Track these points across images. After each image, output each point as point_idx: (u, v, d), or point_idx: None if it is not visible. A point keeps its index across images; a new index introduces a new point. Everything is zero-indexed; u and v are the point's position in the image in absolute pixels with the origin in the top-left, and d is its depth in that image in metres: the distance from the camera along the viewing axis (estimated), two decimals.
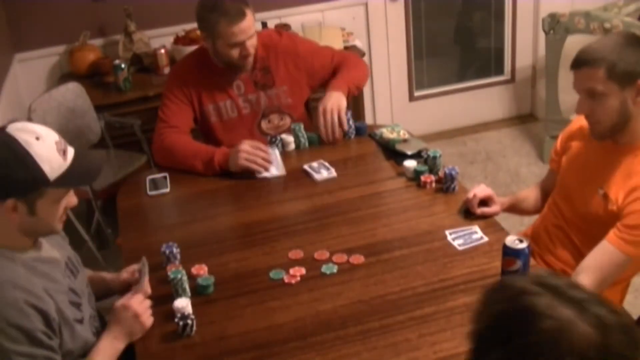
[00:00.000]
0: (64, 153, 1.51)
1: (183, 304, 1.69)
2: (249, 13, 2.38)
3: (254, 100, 2.58)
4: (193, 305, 1.71)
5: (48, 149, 1.47)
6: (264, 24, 3.66)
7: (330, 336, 1.64)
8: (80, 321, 1.62)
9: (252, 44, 2.44)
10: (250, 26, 2.39)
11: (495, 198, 2.07)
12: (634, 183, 1.78)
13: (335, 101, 2.47)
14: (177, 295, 1.77)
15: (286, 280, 1.84)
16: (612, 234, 1.78)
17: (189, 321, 1.66)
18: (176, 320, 1.66)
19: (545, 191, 2.17)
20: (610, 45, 1.75)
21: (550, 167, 2.17)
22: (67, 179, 1.50)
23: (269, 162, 2.37)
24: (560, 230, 2.01)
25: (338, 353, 1.59)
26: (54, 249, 1.66)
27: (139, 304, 1.68)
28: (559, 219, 2.02)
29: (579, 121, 2.00)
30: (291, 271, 1.86)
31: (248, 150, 2.34)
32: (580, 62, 1.77)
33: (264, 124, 2.62)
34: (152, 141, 2.57)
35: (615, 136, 1.83)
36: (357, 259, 1.90)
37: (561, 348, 0.85)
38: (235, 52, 2.42)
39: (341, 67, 2.64)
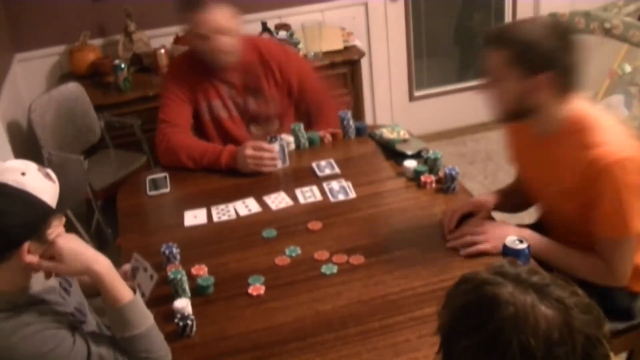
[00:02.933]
0: (49, 177, 1.49)
1: (183, 304, 1.69)
2: (214, 8, 2.41)
3: (242, 103, 2.60)
4: (193, 305, 1.71)
5: (38, 179, 1.45)
6: (264, 24, 3.66)
7: (330, 336, 1.64)
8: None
9: (222, 40, 2.44)
10: (215, 20, 2.41)
11: (481, 206, 2.01)
12: (578, 169, 1.71)
13: None
14: (177, 295, 1.77)
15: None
16: (602, 230, 1.74)
17: (189, 321, 1.66)
18: (176, 320, 1.66)
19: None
20: (524, 30, 1.69)
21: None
22: (65, 198, 1.48)
23: (276, 158, 2.39)
24: (563, 226, 1.95)
25: (338, 354, 1.59)
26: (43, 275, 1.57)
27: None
28: (555, 215, 1.99)
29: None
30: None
31: (254, 155, 2.35)
32: (488, 40, 1.73)
33: (253, 128, 2.63)
34: (154, 142, 2.57)
35: (529, 125, 1.79)
36: (357, 259, 1.90)
37: (526, 332, 0.89)
38: (203, 45, 2.45)
39: (320, 115, 2.67)
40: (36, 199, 1.43)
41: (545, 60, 1.67)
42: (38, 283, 1.54)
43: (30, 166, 1.49)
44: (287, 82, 2.63)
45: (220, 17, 2.43)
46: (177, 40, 3.58)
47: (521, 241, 1.72)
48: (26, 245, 1.39)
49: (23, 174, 1.45)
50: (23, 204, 1.40)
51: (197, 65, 2.56)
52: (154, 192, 2.35)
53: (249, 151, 2.35)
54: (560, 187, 1.79)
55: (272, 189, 2.31)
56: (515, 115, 1.78)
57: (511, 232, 1.80)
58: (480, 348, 0.91)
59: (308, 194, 2.25)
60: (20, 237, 1.38)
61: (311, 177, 2.35)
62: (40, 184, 1.46)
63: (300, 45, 3.60)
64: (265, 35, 3.58)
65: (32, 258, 1.40)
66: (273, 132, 2.61)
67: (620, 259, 1.76)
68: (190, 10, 2.42)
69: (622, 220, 1.70)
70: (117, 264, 2.03)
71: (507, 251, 1.72)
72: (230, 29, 2.45)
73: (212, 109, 2.59)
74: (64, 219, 1.49)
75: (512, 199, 2.11)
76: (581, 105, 1.75)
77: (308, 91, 2.68)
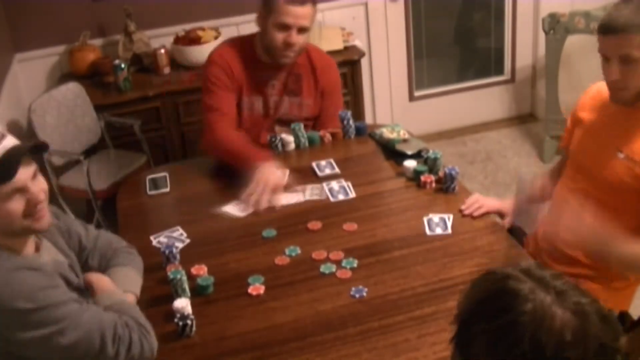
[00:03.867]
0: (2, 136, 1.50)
1: (183, 304, 1.69)
2: (310, 6, 2.39)
3: (278, 101, 2.58)
4: (193, 305, 1.71)
5: None
6: None
7: (330, 336, 1.64)
8: None
9: (299, 37, 2.41)
10: (305, 16, 2.38)
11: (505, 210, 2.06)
12: None
13: None
14: (177, 295, 1.77)
15: (338, 275, 1.85)
16: None
17: (189, 321, 1.66)
18: (176, 320, 1.66)
19: (556, 179, 2.12)
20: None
21: (559, 147, 2.14)
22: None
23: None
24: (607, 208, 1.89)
25: (338, 353, 1.59)
26: (50, 253, 1.65)
27: None
28: (575, 194, 1.96)
29: (589, 93, 1.99)
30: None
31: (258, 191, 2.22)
32: (614, 28, 1.73)
33: (277, 127, 2.61)
34: (154, 142, 2.54)
35: (637, 102, 1.80)
36: (337, 255, 1.93)
37: (539, 329, 0.90)
38: (280, 36, 2.39)
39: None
40: None
41: None
42: (49, 254, 1.62)
43: None
44: (320, 90, 2.60)
45: (309, 14, 2.40)
46: (177, 40, 3.58)
47: None
48: None
49: None
50: None
51: (248, 56, 2.52)
52: (153, 192, 2.35)
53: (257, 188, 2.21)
54: (635, 154, 1.79)
55: None
56: None
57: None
58: (495, 335, 0.93)
59: (310, 192, 2.25)
60: None
61: (311, 177, 2.35)
62: None
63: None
64: None
65: None
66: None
67: None
68: (290, 2, 2.35)
69: None
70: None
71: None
72: (309, 27, 2.43)
73: (253, 104, 2.56)
74: (24, 189, 1.49)
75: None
76: None
77: (326, 105, 2.64)
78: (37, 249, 1.61)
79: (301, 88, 2.57)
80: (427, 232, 2.00)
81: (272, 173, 2.24)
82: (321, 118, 2.65)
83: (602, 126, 1.92)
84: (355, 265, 1.88)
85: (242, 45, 2.55)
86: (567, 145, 2.07)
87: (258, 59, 2.52)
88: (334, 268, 1.87)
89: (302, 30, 2.40)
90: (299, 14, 2.36)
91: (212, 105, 2.47)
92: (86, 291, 1.66)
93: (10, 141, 1.52)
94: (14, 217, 1.50)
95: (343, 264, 1.89)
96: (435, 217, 2.04)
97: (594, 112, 1.96)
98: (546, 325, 0.90)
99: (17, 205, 1.49)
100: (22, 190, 1.49)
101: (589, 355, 0.90)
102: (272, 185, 2.21)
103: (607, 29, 1.75)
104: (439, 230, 1.99)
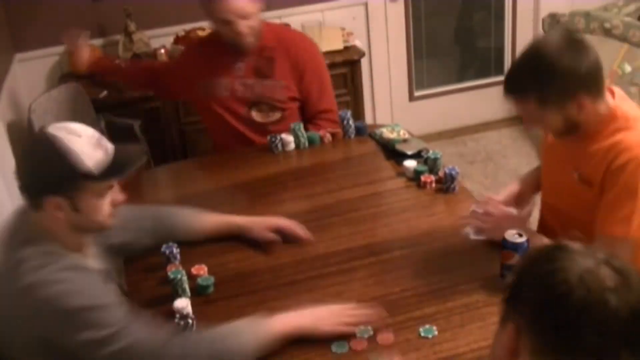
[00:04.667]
0: (102, 147, 1.53)
1: (183, 304, 1.69)
2: None
3: (249, 84, 2.60)
4: (193, 305, 1.71)
5: (88, 145, 1.50)
6: None
7: (329, 336, 1.63)
8: None
9: (246, 24, 2.46)
10: (240, 7, 2.42)
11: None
12: (605, 149, 1.73)
13: None
14: (177, 295, 1.77)
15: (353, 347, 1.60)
16: (601, 223, 1.73)
17: (189, 320, 1.66)
18: (176, 320, 1.66)
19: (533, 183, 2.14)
20: (534, 69, 1.69)
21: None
22: (107, 172, 1.52)
23: None
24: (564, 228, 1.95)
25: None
26: (96, 259, 1.68)
27: (348, 309, 1.65)
28: (558, 218, 2.01)
29: None
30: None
31: None
32: (509, 91, 1.74)
33: (254, 112, 2.62)
34: (154, 142, 2.57)
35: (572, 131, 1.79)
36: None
37: (586, 275, 0.91)
38: (226, 30, 2.48)
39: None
40: (75, 158, 1.47)
41: (570, 85, 1.67)
42: (92, 262, 1.65)
43: (88, 131, 1.53)
44: (300, 70, 2.61)
45: (242, 1, 2.44)
46: (177, 40, 3.58)
47: (521, 235, 1.72)
48: (54, 200, 1.49)
49: (79, 135, 1.50)
50: (58, 157, 1.47)
51: (214, 44, 2.61)
52: None
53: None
54: (586, 173, 1.80)
55: (272, 188, 2.31)
56: (570, 130, 1.77)
57: (516, 228, 1.79)
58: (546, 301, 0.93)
59: None
60: (46, 188, 1.49)
61: (311, 177, 2.35)
62: (87, 149, 1.49)
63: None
64: None
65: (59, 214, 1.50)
66: (273, 119, 2.61)
67: None
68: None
69: (626, 220, 1.70)
70: (118, 263, 2.04)
71: (505, 244, 1.72)
72: (252, 12, 2.47)
73: (214, 87, 2.61)
74: (114, 187, 1.58)
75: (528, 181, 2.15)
76: (614, 101, 1.78)
77: (308, 84, 2.64)
78: (83, 249, 1.63)
79: (273, 70, 2.59)
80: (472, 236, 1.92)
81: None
82: (310, 100, 2.64)
83: (556, 150, 1.93)
84: (371, 333, 1.63)
85: (211, 38, 2.72)
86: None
87: (223, 45, 2.57)
88: (334, 269, 1.87)
89: (245, 17, 2.45)
90: (231, 7, 2.42)
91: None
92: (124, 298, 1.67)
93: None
94: (102, 212, 1.56)
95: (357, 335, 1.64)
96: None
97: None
98: (592, 275, 0.91)
99: (106, 201, 1.56)
100: (112, 188, 1.57)
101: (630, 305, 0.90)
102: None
103: (505, 89, 1.76)
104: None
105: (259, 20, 2.53)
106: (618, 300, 0.89)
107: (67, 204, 1.51)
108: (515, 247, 1.70)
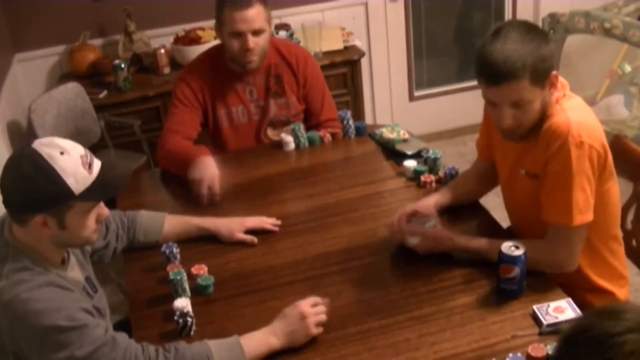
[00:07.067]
0: (89, 166, 1.50)
1: (183, 304, 1.69)
2: (257, 6, 2.37)
3: (264, 106, 2.57)
4: (193, 305, 1.71)
5: (73, 163, 1.47)
6: None
7: (330, 336, 1.64)
8: None
9: (256, 40, 2.40)
10: (255, 19, 2.37)
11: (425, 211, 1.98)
12: (546, 154, 1.73)
13: None
14: (177, 295, 1.77)
15: None
16: (547, 213, 1.74)
17: (189, 319, 1.66)
18: (176, 318, 1.66)
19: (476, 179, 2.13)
20: (520, 49, 1.65)
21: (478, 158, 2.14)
22: (93, 192, 1.49)
23: None
24: (534, 225, 1.90)
25: (338, 353, 1.59)
26: (77, 269, 1.66)
27: (309, 306, 1.64)
28: (522, 217, 1.99)
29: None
30: None
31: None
32: (502, 77, 1.65)
33: (270, 131, 2.61)
34: (154, 142, 2.54)
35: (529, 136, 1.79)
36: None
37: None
38: (235, 44, 2.40)
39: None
40: (57, 177, 1.44)
41: (548, 63, 1.68)
42: (73, 273, 1.63)
43: (75, 149, 1.50)
44: (302, 83, 2.60)
45: (260, 16, 2.39)
46: (177, 40, 3.58)
47: (517, 247, 1.69)
48: (40, 218, 1.47)
49: (62, 152, 1.47)
50: (41, 176, 1.44)
51: (218, 68, 2.51)
52: None
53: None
54: (530, 168, 1.81)
55: (272, 188, 2.31)
56: (536, 127, 1.76)
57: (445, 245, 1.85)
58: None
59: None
60: (32, 206, 1.46)
61: (311, 177, 2.36)
62: (71, 167, 1.46)
63: (301, 45, 3.60)
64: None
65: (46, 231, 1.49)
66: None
67: (562, 245, 1.75)
68: (233, 7, 2.36)
69: (566, 208, 1.70)
70: (118, 264, 2.04)
71: (503, 258, 1.68)
72: (264, 30, 2.42)
73: (231, 115, 2.55)
74: (99, 206, 1.56)
75: (460, 190, 2.10)
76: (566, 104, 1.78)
77: (312, 95, 2.63)
78: (64, 262, 1.62)
79: (284, 88, 2.57)
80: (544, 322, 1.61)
81: (203, 168, 2.25)
82: (313, 111, 2.63)
83: (505, 150, 1.91)
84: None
85: (211, 59, 2.55)
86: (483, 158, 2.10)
87: (228, 69, 2.51)
88: (332, 268, 1.87)
89: (257, 32, 2.39)
90: (246, 17, 2.36)
91: (171, 128, 2.47)
92: (100, 315, 1.64)
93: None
94: (88, 228, 1.55)
95: None
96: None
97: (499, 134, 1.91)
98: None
99: (92, 218, 1.55)
100: (98, 205, 1.56)
101: None
102: (208, 181, 2.22)
103: (494, 79, 1.66)
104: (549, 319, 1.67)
105: (268, 42, 2.47)
106: None
107: (53, 222, 1.49)
108: (513, 260, 1.66)
